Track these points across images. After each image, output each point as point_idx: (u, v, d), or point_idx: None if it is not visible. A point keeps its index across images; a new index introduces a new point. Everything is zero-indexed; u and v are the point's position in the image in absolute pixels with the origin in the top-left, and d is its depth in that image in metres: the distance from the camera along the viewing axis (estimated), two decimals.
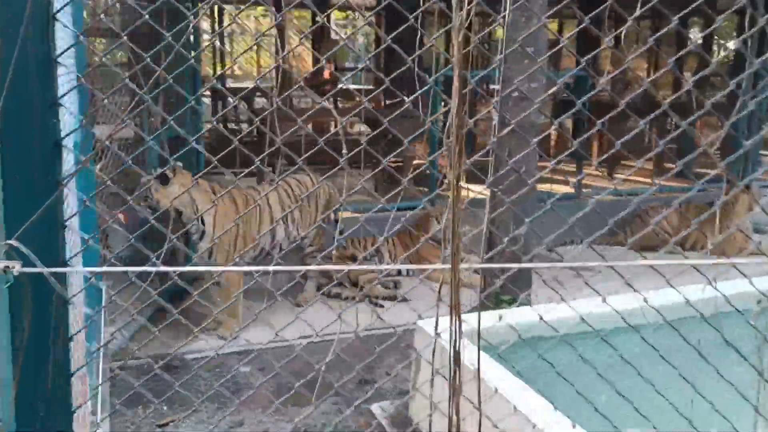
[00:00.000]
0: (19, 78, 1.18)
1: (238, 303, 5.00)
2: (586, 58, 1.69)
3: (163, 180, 4.64)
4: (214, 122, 7.77)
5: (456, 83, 1.23)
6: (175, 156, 1.86)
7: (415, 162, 8.33)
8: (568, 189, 8.27)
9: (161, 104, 5.65)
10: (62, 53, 1.21)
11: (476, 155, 1.97)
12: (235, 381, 4.41)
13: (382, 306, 5.48)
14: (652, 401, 2.06)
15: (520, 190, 5.09)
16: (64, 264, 1.31)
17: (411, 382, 3.96)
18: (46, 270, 1.19)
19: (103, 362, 4.36)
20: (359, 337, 5.06)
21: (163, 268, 1.36)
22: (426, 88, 1.59)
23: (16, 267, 1.22)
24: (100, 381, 3.80)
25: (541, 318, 1.92)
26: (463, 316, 1.42)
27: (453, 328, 1.30)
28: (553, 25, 10.51)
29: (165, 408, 4.06)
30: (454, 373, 1.34)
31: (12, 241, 1.21)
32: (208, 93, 10.78)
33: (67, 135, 1.25)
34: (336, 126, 11.02)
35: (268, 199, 5.12)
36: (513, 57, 4.76)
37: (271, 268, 1.50)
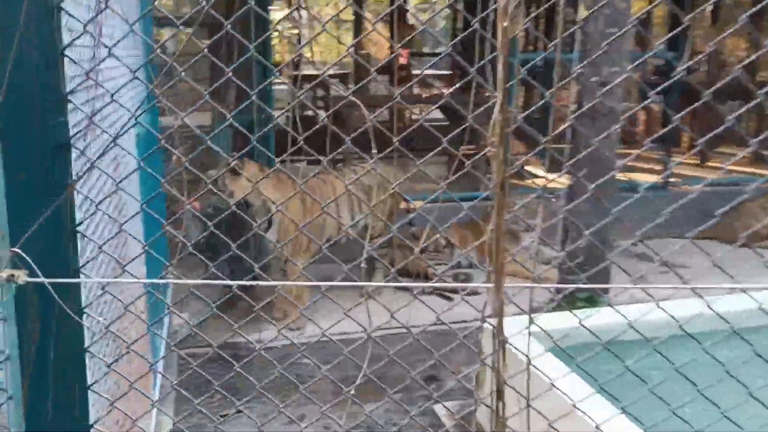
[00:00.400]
0: (20, 74, 1.09)
1: (305, 293, 4.95)
2: (659, 40, 1.45)
3: (234, 171, 4.64)
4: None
5: (500, 73, 1.05)
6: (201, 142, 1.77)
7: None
8: (655, 178, 7.78)
9: (232, 91, 5.67)
10: (67, 46, 1.12)
11: (529, 153, 1.77)
12: (298, 373, 4.37)
13: (451, 299, 5.31)
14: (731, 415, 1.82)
15: (601, 182, 4.75)
16: (76, 272, 1.23)
17: (478, 385, 3.78)
18: (47, 281, 1.11)
19: (170, 350, 4.41)
20: (427, 332, 4.93)
21: (172, 281, 1.26)
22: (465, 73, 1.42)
23: (21, 276, 1.14)
24: (164, 369, 3.84)
25: (583, 324, 1.72)
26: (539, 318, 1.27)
27: (497, 358, 1.14)
28: (642, 3, 9.88)
29: (228, 398, 4.06)
30: (497, 406, 1.18)
31: (15, 249, 1.13)
32: (284, 79, 10.82)
33: (76, 134, 1.16)
34: (415, 113, 10.85)
35: (335, 188, 5.04)
36: (594, 38, 4.46)
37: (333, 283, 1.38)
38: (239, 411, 3.92)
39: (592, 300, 4.43)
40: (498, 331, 1.15)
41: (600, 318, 1.92)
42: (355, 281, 5.57)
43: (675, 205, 1.58)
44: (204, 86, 5.25)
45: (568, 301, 4.48)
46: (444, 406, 3.85)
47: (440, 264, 5.91)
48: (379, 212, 5.26)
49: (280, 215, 4.77)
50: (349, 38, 15.17)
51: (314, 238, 4.92)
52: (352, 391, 1.85)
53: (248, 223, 5.11)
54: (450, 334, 2.17)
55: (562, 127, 1.88)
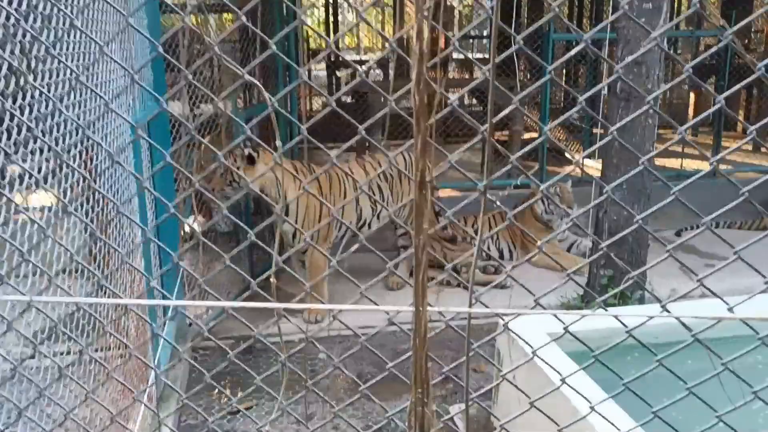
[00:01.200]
0: None
1: (323, 285, 4.81)
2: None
3: (250, 160, 4.51)
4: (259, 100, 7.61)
5: (417, 49, 0.83)
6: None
7: (524, 136, 7.74)
8: (702, 165, 7.34)
9: (258, 78, 5.54)
10: None
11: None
12: (313, 369, 4.23)
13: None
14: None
15: (635, 168, 4.43)
16: None
17: (493, 384, 3.57)
18: None
19: (183, 343, 4.34)
20: (450, 327, 4.72)
21: (52, 299, 1.09)
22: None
23: None
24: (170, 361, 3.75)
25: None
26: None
27: (414, 402, 0.95)
28: None
29: (240, 393, 3.95)
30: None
31: None
32: (321, 65, 10.71)
33: None
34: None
35: (354, 177, 4.86)
36: (629, 14, 4.14)
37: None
38: (248, 408, 3.82)
39: (623, 296, 4.14)
40: (418, 365, 0.95)
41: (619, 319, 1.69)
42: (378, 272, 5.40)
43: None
44: (228, 75, 5.12)
45: (600, 295, 4.20)
46: (458, 407, 3.66)
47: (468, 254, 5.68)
48: (401, 201, 5.07)
49: (296, 204, 4.63)
50: (390, 23, 14.90)
51: (332, 228, 4.76)
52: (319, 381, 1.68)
53: (267, 212, 4.99)
54: (476, 328, 1.97)
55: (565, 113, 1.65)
